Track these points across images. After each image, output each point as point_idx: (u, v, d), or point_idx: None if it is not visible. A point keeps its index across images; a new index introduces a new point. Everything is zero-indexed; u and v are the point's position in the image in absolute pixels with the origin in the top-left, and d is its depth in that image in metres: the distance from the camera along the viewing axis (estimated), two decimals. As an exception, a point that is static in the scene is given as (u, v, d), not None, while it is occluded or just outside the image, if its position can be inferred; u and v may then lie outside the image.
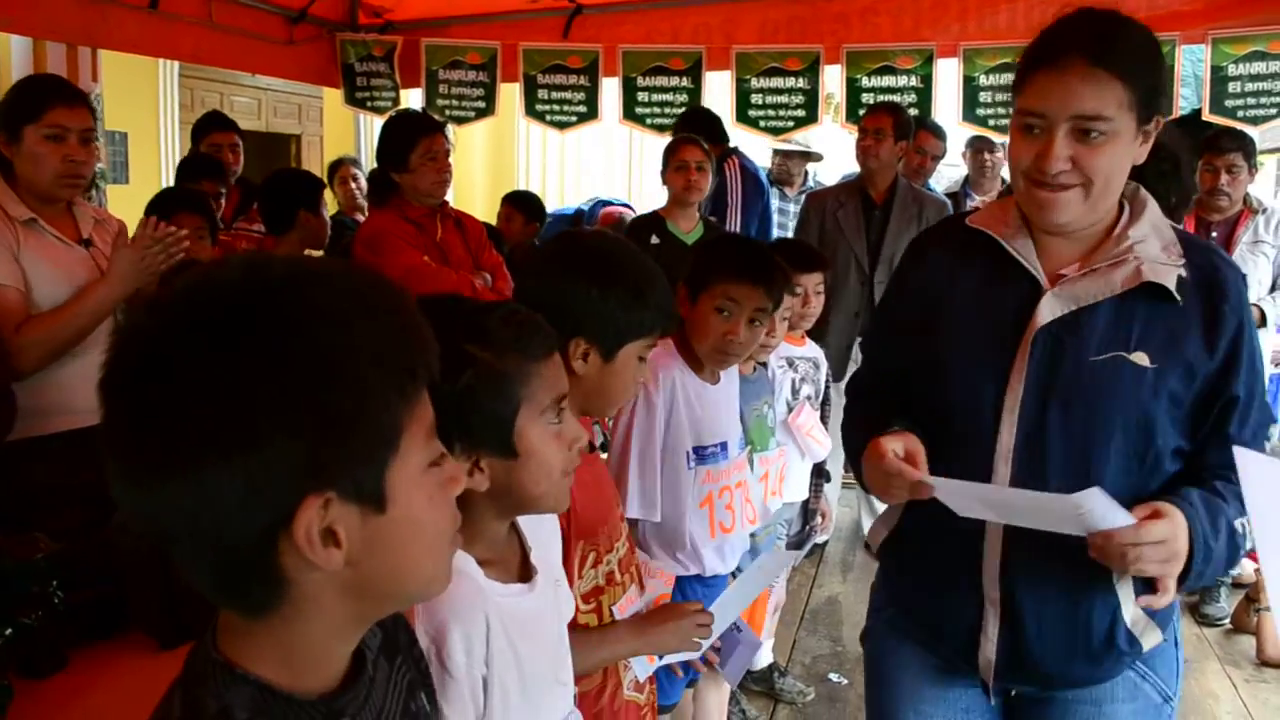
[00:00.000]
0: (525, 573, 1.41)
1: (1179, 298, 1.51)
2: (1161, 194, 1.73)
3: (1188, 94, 5.25)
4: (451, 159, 3.64)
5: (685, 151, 4.01)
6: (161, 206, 3.12)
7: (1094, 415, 1.54)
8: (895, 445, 1.55)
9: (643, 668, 1.89)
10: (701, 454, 2.16)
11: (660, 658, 1.91)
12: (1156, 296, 1.52)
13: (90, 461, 2.46)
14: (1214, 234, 4.13)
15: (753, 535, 2.65)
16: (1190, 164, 2.55)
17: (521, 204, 5.26)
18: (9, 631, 1.65)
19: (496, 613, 1.28)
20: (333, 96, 6.71)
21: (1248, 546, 1.55)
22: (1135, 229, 1.55)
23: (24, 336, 2.54)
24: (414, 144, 3.51)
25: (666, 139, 5.29)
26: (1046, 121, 1.47)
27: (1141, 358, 1.52)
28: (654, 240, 3.96)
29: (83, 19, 4.11)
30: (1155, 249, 1.54)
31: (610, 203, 6.07)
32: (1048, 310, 1.55)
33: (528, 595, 1.37)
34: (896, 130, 4.32)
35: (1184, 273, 1.53)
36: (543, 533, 1.50)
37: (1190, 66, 5.27)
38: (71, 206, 2.73)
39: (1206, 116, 4.78)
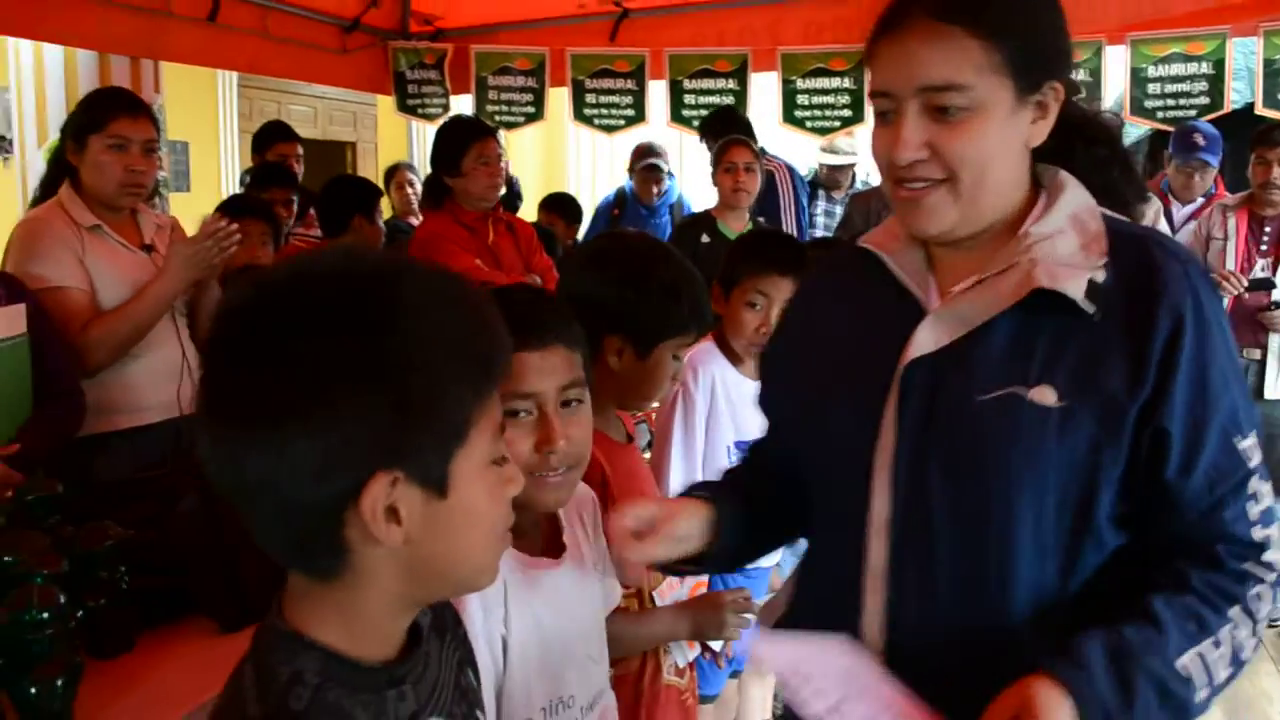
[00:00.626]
0: (555, 551, 1.46)
1: (1090, 308, 1.13)
2: (1109, 188, 1.41)
3: (1240, 87, 5.18)
4: (505, 164, 3.73)
5: (734, 153, 4.04)
6: (229, 212, 3.23)
7: (985, 475, 1.16)
8: (639, 511, 1.27)
9: (682, 653, 1.94)
10: (743, 447, 2.21)
11: (700, 647, 1.97)
12: (1067, 310, 1.13)
13: (152, 457, 2.58)
14: (1267, 229, 4.09)
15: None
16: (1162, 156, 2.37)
17: (560, 208, 5.33)
18: (79, 614, 1.73)
19: (517, 579, 1.35)
20: (385, 104, 6.85)
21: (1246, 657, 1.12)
22: (1042, 222, 1.18)
23: (89, 335, 2.65)
24: (466, 149, 3.60)
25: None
26: (894, 101, 1.17)
27: (1045, 394, 1.13)
28: (704, 239, 4.01)
29: (145, 32, 4.25)
30: (1067, 247, 1.16)
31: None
32: (925, 338, 1.19)
33: (553, 571, 1.42)
34: None
35: (1101, 275, 1.14)
36: (599, 523, 1.57)
37: (1242, 60, 5.20)
38: (134, 213, 2.84)
39: (1260, 110, 4.72)
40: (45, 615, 1.56)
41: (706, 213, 4.21)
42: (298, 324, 0.81)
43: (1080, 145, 1.36)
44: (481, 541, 0.90)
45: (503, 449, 0.91)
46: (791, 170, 5.03)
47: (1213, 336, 1.14)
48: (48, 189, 2.86)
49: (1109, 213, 1.24)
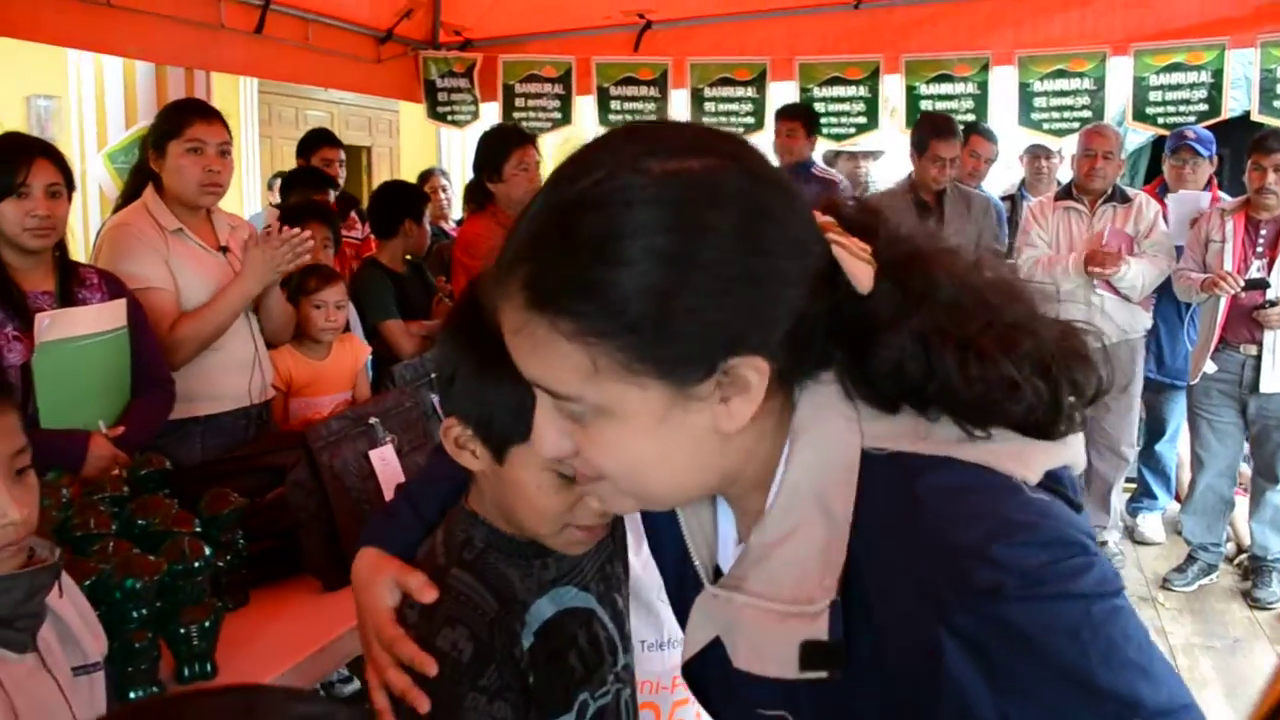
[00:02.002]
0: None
1: (819, 676, 0.78)
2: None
3: (1238, 96, 5.41)
4: (540, 170, 3.93)
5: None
6: (293, 216, 3.46)
7: None
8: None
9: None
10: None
11: None
12: None
13: (224, 441, 2.81)
14: (1263, 232, 4.29)
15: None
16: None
17: None
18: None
19: None
20: (409, 110, 7.08)
21: None
22: (765, 522, 0.82)
23: (176, 334, 2.86)
24: (507, 155, 3.81)
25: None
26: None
27: None
28: None
29: (198, 45, 4.48)
30: (796, 567, 0.80)
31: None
32: (697, 623, 0.90)
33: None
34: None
35: (823, 630, 0.77)
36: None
37: (1240, 69, 5.43)
38: (211, 216, 3.04)
39: (1256, 117, 4.95)
40: (196, 564, 1.79)
41: None
42: (469, 319, 1.10)
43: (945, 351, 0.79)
44: (530, 515, 1.12)
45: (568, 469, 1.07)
46: (839, 182, 5.27)
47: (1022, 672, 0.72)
48: (130, 195, 3.07)
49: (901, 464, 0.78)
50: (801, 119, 5.15)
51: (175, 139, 2.88)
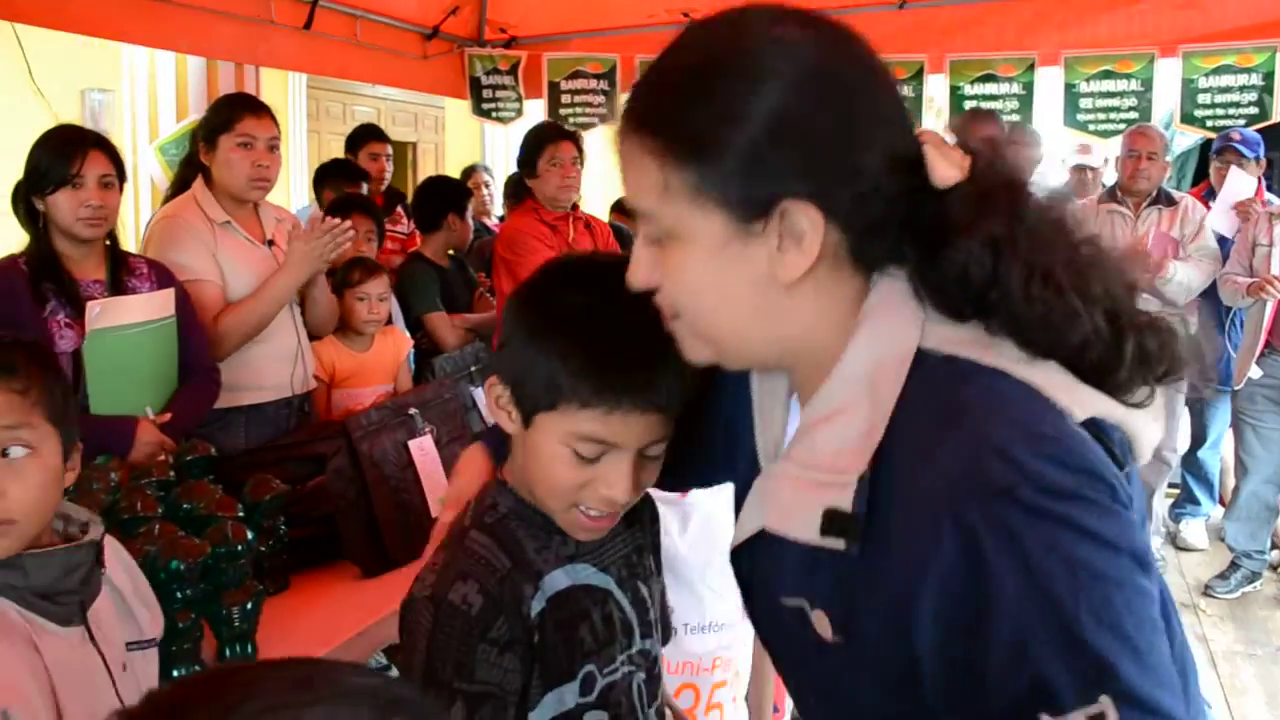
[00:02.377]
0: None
1: (837, 545, 0.81)
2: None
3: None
4: (577, 165, 3.94)
5: None
6: (338, 209, 3.51)
7: (795, 681, 1.00)
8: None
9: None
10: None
11: None
12: None
13: (267, 430, 2.86)
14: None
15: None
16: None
17: (632, 212, 5.53)
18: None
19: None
20: (454, 107, 7.14)
21: None
22: (822, 393, 0.86)
23: (221, 325, 2.92)
24: (540, 151, 3.85)
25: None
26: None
27: (822, 622, 0.86)
28: None
29: (248, 40, 4.56)
30: (837, 439, 0.83)
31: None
32: (750, 508, 0.94)
33: (678, 502, 1.66)
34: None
35: (848, 501, 0.80)
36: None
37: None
38: (258, 209, 3.10)
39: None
40: (238, 548, 1.84)
41: None
42: (546, 286, 1.18)
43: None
44: (543, 485, 1.16)
45: (589, 454, 1.12)
46: None
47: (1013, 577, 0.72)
48: (180, 187, 3.14)
49: (948, 361, 0.82)
50: None
51: (226, 133, 2.93)
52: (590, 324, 1.10)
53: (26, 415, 1.29)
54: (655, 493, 1.34)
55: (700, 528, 1.66)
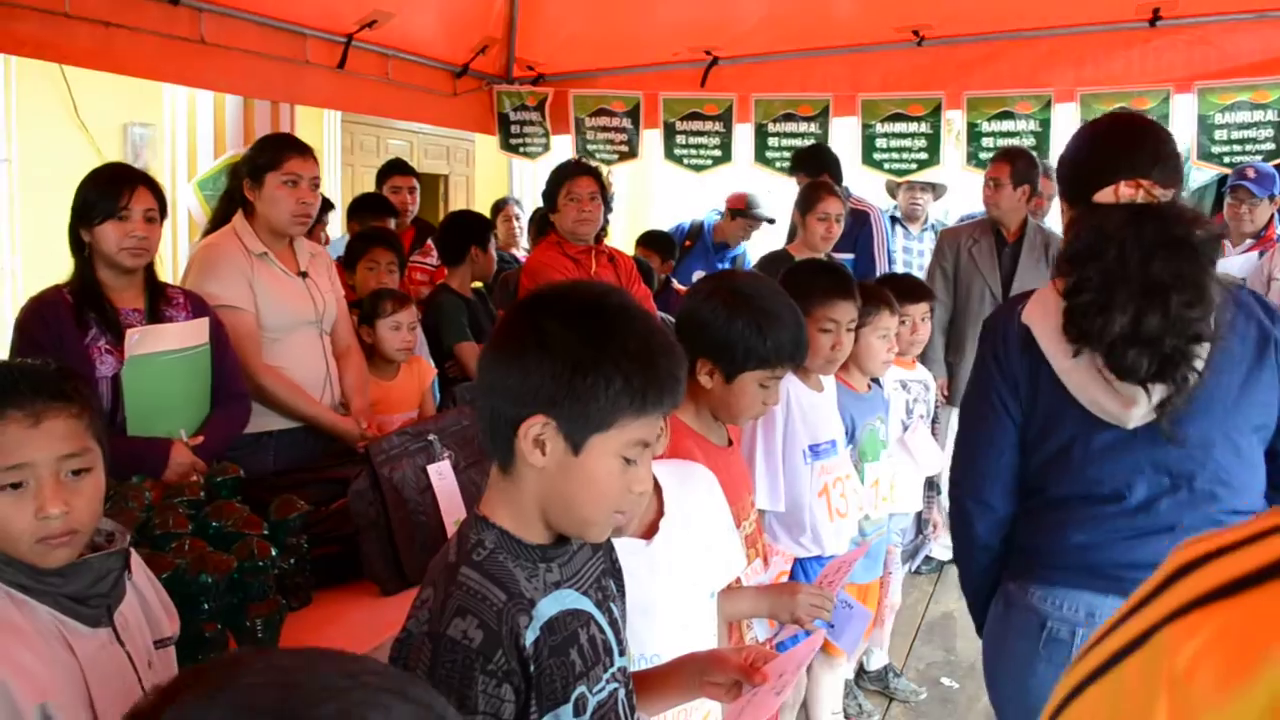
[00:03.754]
0: (648, 530, 1.75)
1: None
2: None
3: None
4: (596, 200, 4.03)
5: (829, 203, 4.23)
6: (362, 244, 3.66)
7: None
8: None
9: (763, 629, 2.27)
10: (816, 450, 2.53)
11: (780, 628, 2.27)
12: None
13: (296, 454, 2.98)
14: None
15: (864, 535, 3.00)
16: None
17: (656, 245, 5.59)
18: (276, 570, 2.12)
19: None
20: (483, 141, 7.31)
21: None
22: None
23: (267, 379, 3.08)
24: (559, 186, 3.97)
25: (790, 180, 5.68)
26: None
27: None
28: None
29: (285, 79, 4.74)
30: None
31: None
32: None
33: (643, 549, 1.71)
34: (1014, 177, 4.56)
35: None
36: (714, 503, 1.89)
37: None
38: (293, 242, 3.24)
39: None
40: (263, 564, 1.95)
41: (785, 251, 4.44)
42: (549, 314, 1.26)
43: None
44: (592, 503, 1.27)
45: (641, 456, 1.28)
46: (881, 212, 5.33)
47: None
48: (220, 220, 3.29)
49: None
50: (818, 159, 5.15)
51: (274, 171, 3.09)
52: (637, 343, 1.24)
53: (84, 439, 1.43)
54: (622, 541, 1.51)
55: (669, 570, 1.73)
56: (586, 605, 1.33)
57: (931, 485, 3.72)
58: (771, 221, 5.80)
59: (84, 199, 2.67)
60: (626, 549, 1.63)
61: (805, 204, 4.33)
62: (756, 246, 5.99)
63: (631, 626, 1.64)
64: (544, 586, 1.28)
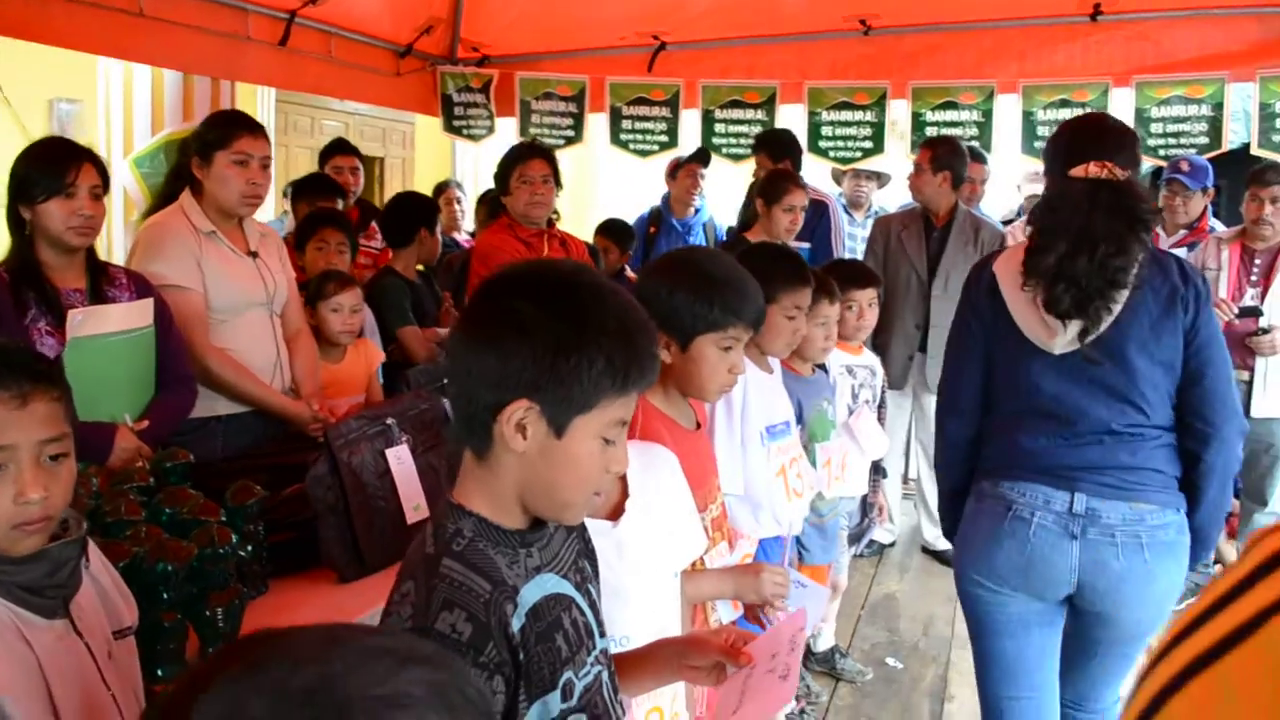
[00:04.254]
0: (613, 511, 1.75)
1: None
2: None
3: (1237, 129, 5.51)
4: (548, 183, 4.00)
5: (795, 195, 4.25)
6: (311, 224, 3.58)
7: None
8: None
9: (727, 611, 2.27)
10: (772, 431, 2.54)
11: (742, 608, 2.29)
12: None
13: (244, 440, 2.92)
14: (1258, 261, 4.39)
15: (820, 516, 3.02)
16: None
17: (615, 234, 5.53)
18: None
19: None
20: (425, 123, 7.22)
21: None
22: None
23: (214, 362, 3.00)
24: (512, 169, 3.93)
25: (741, 167, 5.70)
26: None
27: None
28: None
29: (225, 55, 4.62)
30: None
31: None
32: None
33: (610, 531, 1.72)
34: (934, 163, 4.64)
35: None
36: (676, 486, 1.89)
37: (1240, 103, 5.54)
38: (242, 222, 3.15)
39: (1256, 150, 5.05)
40: (223, 551, 1.90)
41: (743, 238, 4.43)
42: (522, 296, 1.23)
43: None
44: (573, 485, 1.26)
45: (620, 437, 1.28)
46: (836, 202, 5.37)
47: None
48: (165, 199, 3.19)
49: None
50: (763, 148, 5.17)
51: (223, 149, 3.00)
52: (615, 321, 1.23)
53: (63, 423, 1.39)
54: (590, 523, 1.50)
55: (634, 551, 1.74)
56: (567, 589, 1.32)
57: (877, 469, 3.75)
58: (705, 161, 5.77)
59: (26, 175, 2.57)
60: (595, 531, 1.63)
61: (771, 194, 4.33)
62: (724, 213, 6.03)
63: (603, 608, 1.65)
64: (525, 572, 1.26)
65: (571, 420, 1.22)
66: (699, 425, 2.18)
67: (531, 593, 1.25)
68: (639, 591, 1.77)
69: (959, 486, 2.55)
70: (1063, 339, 2.30)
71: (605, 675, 1.36)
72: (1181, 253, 4.71)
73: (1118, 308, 2.26)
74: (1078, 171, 2.31)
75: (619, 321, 1.24)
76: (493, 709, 1.13)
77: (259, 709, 0.61)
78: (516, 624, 1.21)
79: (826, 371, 3.28)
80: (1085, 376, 2.31)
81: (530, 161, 3.93)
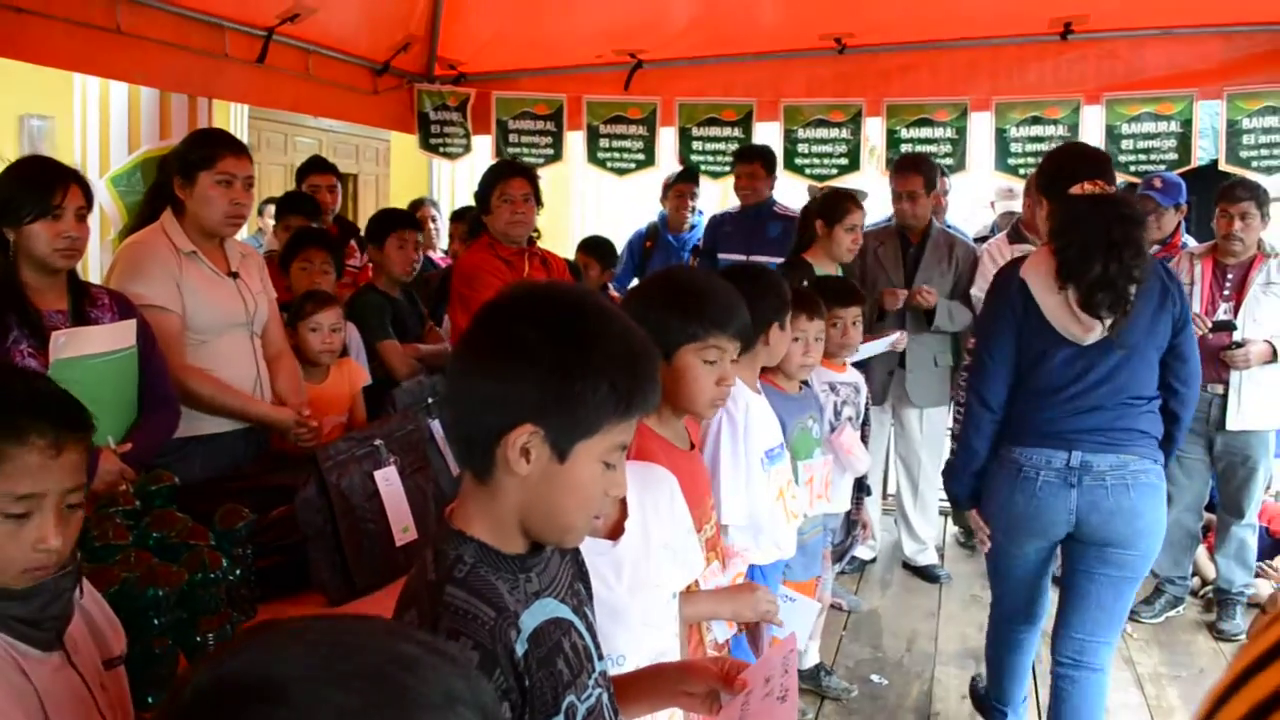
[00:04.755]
0: (613, 531, 1.76)
1: None
2: None
3: (1206, 145, 5.60)
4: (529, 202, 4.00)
5: (856, 215, 4.39)
6: (296, 244, 3.56)
7: None
8: None
9: (722, 630, 2.27)
10: (770, 455, 2.55)
11: (737, 626, 2.29)
12: None
13: (223, 461, 2.89)
14: (1230, 276, 4.45)
15: (800, 534, 3.02)
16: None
17: (597, 251, 5.48)
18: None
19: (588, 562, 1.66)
20: (400, 140, 7.20)
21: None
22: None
23: (192, 380, 2.97)
24: (493, 188, 3.92)
25: (720, 184, 5.73)
26: None
27: None
28: (804, 283, 4.30)
29: (202, 73, 4.59)
30: None
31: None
32: None
33: (609, 550, 1.73)
34: (926, 187, 4.73)
35: None
36: (675, 506, 1.89)
37: (1208, 120, 5.63)
38: (223, 242, 3.13)
39: (1223, 166, 5.13)
40: (214, 575, 1.88)
41: (803, 259, 4.41)
42: (525, 320, 1.23)
43: None
44: (575, 509, 1.26)
45: (620, 461, 1.28)
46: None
47: None
48: (145, 218, 3.16)
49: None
50: (760, 160, 5.26)
51: (206, 170, 2.98)
52: (618, 346, 1.24)
53: (84, 471, 1.39)
54: (590, 543, 1.52)
55: (633, 571, 1.74)
56: (565, 613, 1.31)
57: (861, 487, 3.77)
58: (693, 180, 5.81)
59: (11, 196, 2.53)
60: (593, 550, 1.64)
61: (832, 215, 4.38)
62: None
63: (600, 628, 1.65)
64: (525, 598, 1.26)
65: (574, 445, 1.22)
66: (693, 445, 2.18)
67: (532, 618, 1.24)
68: (638, 611, 1.76)
69: (982, 466, 3.03)
70: (1095, 334, 2.79)
71: (605, 698, 1.36)
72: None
73: (1132, 301, 2.76)
74: (1077, 190, 2.78)
75: (623, 347, 1.24)
76: None
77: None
78: (520, 649, 1.20)
79: (812, 388, 3.29)
80: (1100, 361, 2.83)
81: (511, 180, 3.93)
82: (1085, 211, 2.76)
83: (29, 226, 2.52)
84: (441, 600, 1.19)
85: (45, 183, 2.54)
